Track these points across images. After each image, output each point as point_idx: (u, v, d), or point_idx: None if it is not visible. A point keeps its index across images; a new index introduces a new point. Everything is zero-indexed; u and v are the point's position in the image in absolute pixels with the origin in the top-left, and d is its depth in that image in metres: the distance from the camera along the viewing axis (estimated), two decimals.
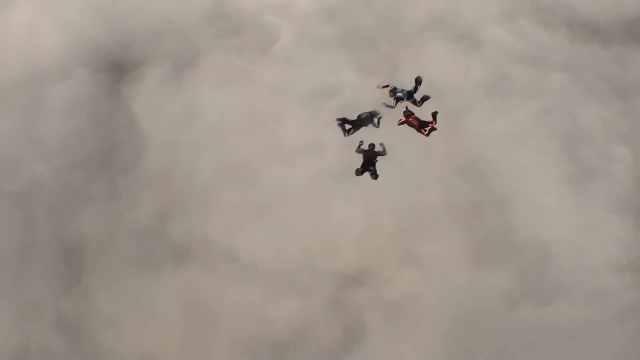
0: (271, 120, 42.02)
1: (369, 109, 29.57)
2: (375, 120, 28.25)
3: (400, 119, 27.92)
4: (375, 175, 29.35)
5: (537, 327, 38.91)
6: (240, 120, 42.29)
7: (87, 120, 42.22)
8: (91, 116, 42.33)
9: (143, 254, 40.15)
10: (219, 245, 40.09)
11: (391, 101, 27.89)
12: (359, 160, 31.54)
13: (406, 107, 27.96)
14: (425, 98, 27.91)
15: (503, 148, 41.71)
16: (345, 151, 36.55)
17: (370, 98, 34.32)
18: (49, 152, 41.47)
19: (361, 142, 28.06)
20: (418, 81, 27.55)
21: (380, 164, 33.04)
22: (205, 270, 39.79)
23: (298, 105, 41.79)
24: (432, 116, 27.98)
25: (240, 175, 41.31)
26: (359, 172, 29.55)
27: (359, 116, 28.82)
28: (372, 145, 28.35)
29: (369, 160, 29.03)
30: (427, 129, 28.64)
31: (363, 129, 29.37)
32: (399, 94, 27.87)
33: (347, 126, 29.39)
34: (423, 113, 29.71)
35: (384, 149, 28.32)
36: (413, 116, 28.12)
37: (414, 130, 31.11)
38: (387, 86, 28.31)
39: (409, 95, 27.82)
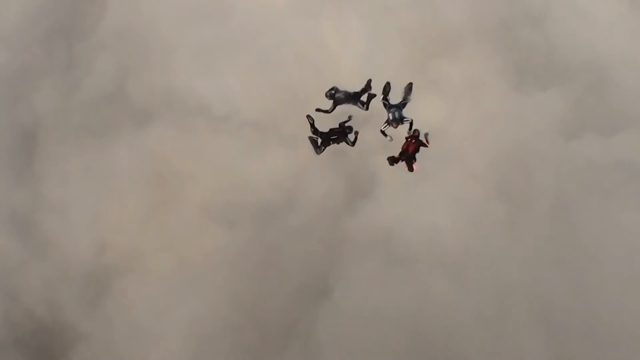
0: None
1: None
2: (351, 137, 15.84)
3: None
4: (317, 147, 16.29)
5: (601, 162, 21.82)
6: None
7: None
8: None
9: (100, 124, 24.12)
10: (186, 98, 23.75)
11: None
12: None
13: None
14: (370, 97, 16.02)
15: None
16: None
17: None
18: (6, 36, 26.13)
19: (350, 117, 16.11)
20: (368, 85, 16.12)
21: None
22: (171, 129, 23.48)
23: None
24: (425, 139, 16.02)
25: (207, 12, 24.51)
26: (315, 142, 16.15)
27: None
28: (349, 129, 16.13)
29: (330, 135, 16.03)
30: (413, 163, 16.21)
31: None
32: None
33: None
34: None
35: (351, 141, 16.12)
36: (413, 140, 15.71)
37: None
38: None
39: (354, 97, 16.05)
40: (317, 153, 15.93)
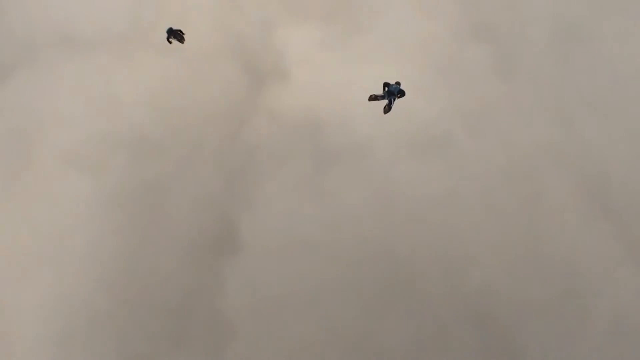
0: None
1: None
2: None
3: None
4: None
5: None
6: None
7: None
8: None
9: None
10: (49, 34, 13.70)
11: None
12: None
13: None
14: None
15: None
16: None
17: None
18: None
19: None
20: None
21: None
22: (31, 75, 13.14)
23: None
24: None
25: None
26: None
27: None
28: None
29: None
30: None
31: None
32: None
33: None
34: None
35: None
36: None
37: None
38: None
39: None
40: None
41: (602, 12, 10.82)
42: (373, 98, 10.82)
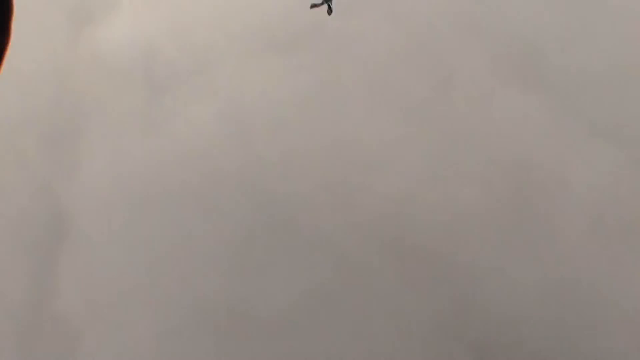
0: None
1: None
2: None
3: None
4: None
5: None
6: None
7: None
8: None
9: None
10: None
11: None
12: None
13: None
14: None
15: None
16: None
17: None
18: None
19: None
20: None
21: None
22: None
23: None
24: None
25: None
26: None
27: None
28: None
29: None
30: None
31: None
32: None
33: None
34: None
35: None
36: None
37: None
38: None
39: None
40: None
41: None
42: (313, 6, 9.89)
